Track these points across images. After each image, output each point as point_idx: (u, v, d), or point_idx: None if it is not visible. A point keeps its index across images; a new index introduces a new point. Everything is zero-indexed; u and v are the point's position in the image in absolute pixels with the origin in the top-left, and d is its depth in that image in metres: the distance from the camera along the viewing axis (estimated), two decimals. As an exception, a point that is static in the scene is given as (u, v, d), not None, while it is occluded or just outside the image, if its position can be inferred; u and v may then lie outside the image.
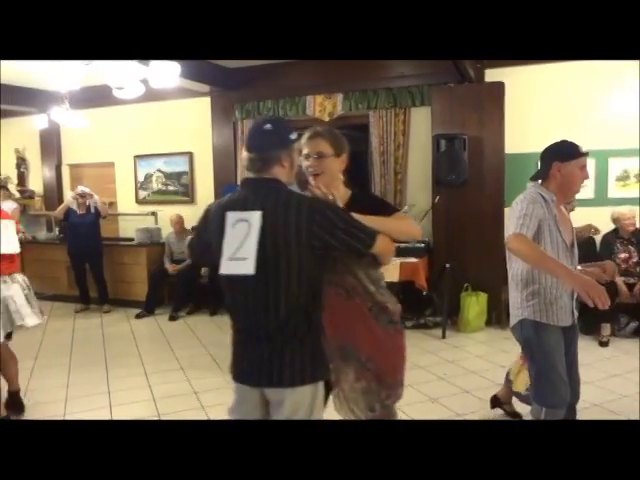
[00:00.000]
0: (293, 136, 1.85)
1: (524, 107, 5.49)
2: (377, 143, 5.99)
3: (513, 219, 2.37)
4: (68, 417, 3.65)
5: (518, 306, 2.51)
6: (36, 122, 7.01)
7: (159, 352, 5.11)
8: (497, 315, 5.48)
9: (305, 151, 2.09)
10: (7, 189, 7.61)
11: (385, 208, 2.11)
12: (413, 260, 5.28)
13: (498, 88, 5.46)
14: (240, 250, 1.73)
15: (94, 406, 3.82)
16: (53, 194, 8.01)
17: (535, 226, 2.35)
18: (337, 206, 1.88)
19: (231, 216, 1.78)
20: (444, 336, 5.23)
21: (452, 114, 5.54)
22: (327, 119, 6.23)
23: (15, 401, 3.71)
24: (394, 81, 5.89)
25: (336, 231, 1.73)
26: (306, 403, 1.79)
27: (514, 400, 3.37)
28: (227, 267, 1.76)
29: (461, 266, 5.36)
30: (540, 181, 2.53)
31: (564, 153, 2.46)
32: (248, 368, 1.82)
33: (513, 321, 2.56)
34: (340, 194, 2.10)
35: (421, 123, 5.89)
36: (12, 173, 8.18)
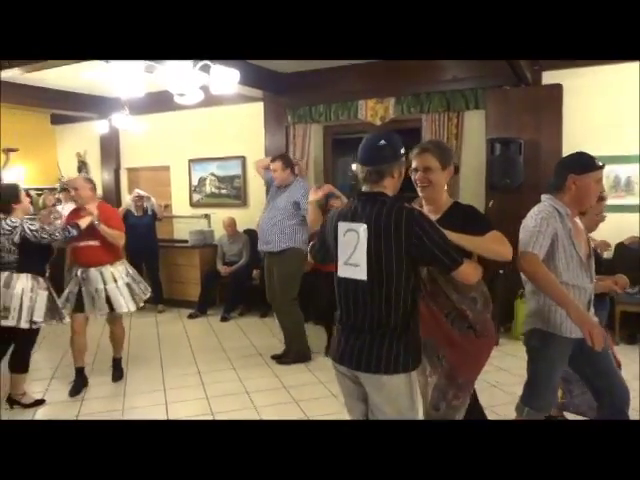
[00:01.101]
0: (403, 150, 2.04)
1: (582, 110, 5.33)
2: (429, 147, 5.93)
3: (526, 234, 2.37)
4: (127, 412, 3.78)
5: (533, 315, 2.52)
6: (97, 127, 7.30)
7: (211, 352, 5.22)
8: (552, 323, 5.33)
9: (414, 165, 2.28)
10: (69, 191, 7.95)
11: (480, 225, 2.18)
12: (465, 265, 5.20)
13: (556, 90, 5.33)
14: (352, 257, 1.99)
15: (151, 402, 3.95)
16: (112, 196, 8.29)
17: (548, 243, 2.34)
18: (435, 224, 1.99)
19: (342, 226, 2.03)
20: (497, 343, 5.13)
21: (507, 117, 5.44)
22: (379, 123, 6.22)
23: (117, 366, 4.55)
24: (447, 84, 5.82)
25: (428, 245, 1.90)
26: (403, 391, 1.98)
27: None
28: (344, 271, 2.03)
29: (515, 272, 5.23)
30: (554, 194, 2.49)
31: (581, 166, 2.43)
32: (349, 352, 2.02)
33: (526, 327, 2.58)
34: (442, 202, 2.30)
35: (475, 127, 5.81)
36: (74, 176, 8.52)
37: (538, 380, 2.51)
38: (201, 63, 3.80)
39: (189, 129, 7.50)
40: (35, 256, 3.77)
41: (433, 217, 2.18)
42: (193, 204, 7.70)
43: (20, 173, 7.78)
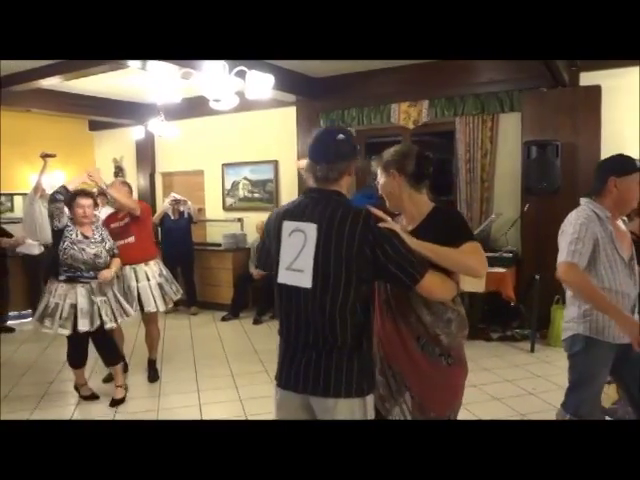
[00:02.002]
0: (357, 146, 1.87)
1: (621, 111, 5.19)
2: (463, 150, 5.88)
3: (565, 242, 2.33)
4: (162, 412, 3.83)
5: (574, 320, 2.47)
6: (133, 133, 7.46)
7: (244, 354, 5.26)
8: (591, 330, 5.22)
9: None
10: (106, 195, 8.14)
11: (457, 234, 1.90)
12: (500, 270, 5.13)
13: (594, 92, 5.21)
14: (297, 261, 1.74)
15: (185, 404, 3.99)
16: (147, 201, 8.42)
17: (589, 250, 2.31)
18: (394, 231, 1.73)
19: (287, 225, 1.78)
20: (533, 350, 5.04)
21: (544, 120, 5.34)
22: (411, 126, 6.19)
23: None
24: (482, 87, 5.76)
25: (382, 259, 1.68)
26: (356, 416, 1.76)
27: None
28: (284, 276, 1.77)
29: (552, 278, 5.11)
30: (593, 197, 2.44)
31: (621, 168, 2.38)
32: (295, 375, 1.80)
33: (566, 334, 2.53)
34: (410, 209, 2.03)
35: (510, 129, 5.73)
36: (110, 181, 8.71)
37: (580, 387, 2.46)
38: (237, 69, 3.85)
39: (222, 134, 7.59)
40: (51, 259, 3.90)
41: (411, 227, 1.98)
42: (226, 208, 7.78)
43: (59, 178, 7.99)
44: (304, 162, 2.12)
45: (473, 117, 5.83)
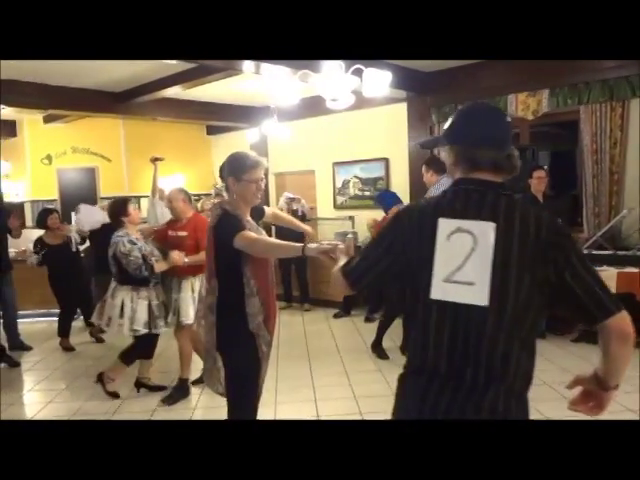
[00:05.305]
0: None
1: None
2: (589, 141, 5.47)
3: None
4: (279, 407, 3.94)
5: None
6: (248, 136, 7.76)
7: (357, 352, 5.27)
8: None
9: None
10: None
11: None
12: (633, 270, 4.72)
13: None
14: (461, 271, 1.39)
15: (301, 398, 4.07)
16: (261, 200, 8.72)
17: None
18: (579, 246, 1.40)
19: (446, 224, 1.42)
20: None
21: (685, 104, 4.85)
22: (531, 117, 5.87)
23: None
24: (610, 71, 5.31)
25: (568, 278, 1.33)
26: None
27: None
28: (445, 291, 1.40)
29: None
30: None
31: None
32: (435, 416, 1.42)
33: None
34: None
35: (643, 116, 5.26)
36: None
37: None
38: (353, 67, 3.86)
39: (333, 133, 7.66)
40: None
41: None
42: (337, 206, 7.86)
43: (179, 180, 8.51)
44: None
45: (600, 105, 5.40)
